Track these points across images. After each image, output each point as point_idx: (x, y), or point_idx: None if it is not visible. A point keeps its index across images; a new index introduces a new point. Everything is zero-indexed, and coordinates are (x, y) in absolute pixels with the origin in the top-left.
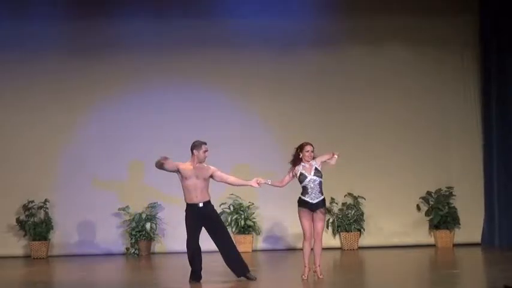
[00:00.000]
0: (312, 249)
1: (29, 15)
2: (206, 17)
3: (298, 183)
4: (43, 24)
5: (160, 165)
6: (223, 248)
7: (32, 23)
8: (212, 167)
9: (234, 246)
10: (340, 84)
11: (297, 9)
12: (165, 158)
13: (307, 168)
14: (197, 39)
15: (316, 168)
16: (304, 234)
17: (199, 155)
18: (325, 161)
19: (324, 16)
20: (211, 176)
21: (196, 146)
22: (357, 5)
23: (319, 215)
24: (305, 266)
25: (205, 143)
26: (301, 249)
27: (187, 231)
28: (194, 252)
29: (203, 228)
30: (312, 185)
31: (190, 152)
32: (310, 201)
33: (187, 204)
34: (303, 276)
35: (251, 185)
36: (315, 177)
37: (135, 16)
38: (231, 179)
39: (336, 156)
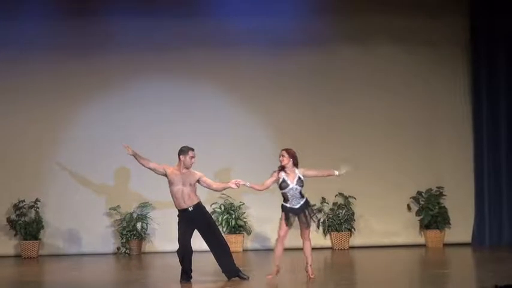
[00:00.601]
0: (302, 249)
1: (21, 13)
2: (198, 16)
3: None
4: (34, 22)
5: (139, 162)
6: (214, 250)
7: (23, 21)
8: (198, 173)
9: (226, 247)
10: (331, 84)
11: (290, 9)
12: (134, 153)
13: (290, 176)
14: (189, 39)
15: (299, 177)
16: (278, 234)
17: (186, 160)
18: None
19: (316, 16)
20: (198, 181)
21: (183, 151)
22: (349, 6)
23: (302, 218)
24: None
25: (192, 149)
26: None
27: (178, 234)
28: (185, 255)
29: (195, 230)
30: (292, 193)
31: (177, 156)
32: (293, 207)
33: (178, 210)
34: (269, 277)
35: (230, 187)
36: (296, 186)
37: (128, 15)
38: (215, 185)
39: (337, 173)
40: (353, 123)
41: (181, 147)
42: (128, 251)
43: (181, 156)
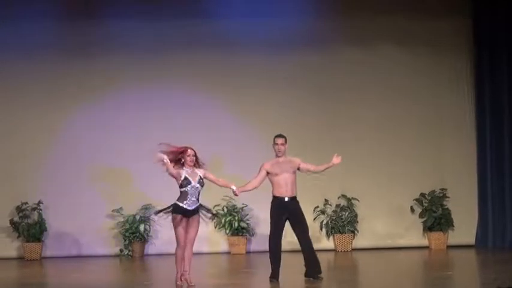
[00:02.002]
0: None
1: (20, 14)
2: (200, 17)
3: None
4: (34, 23)
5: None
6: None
7: (22, 22)
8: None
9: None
10: (333, 84)
11: (291, 9)
12: (242, 190)
13: (191, 174)
14: (190, 40)
15: (200, 177)
16: (178, 241)
17: (274, 148)
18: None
19: (318, 16)
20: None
21: (273, 140)
22: (351, 6)
23: (194, 222)
24: (177, 272)
25: (277, 136)
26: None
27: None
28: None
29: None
30: (192, 192)
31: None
32: (188, 208)
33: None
34: (178, 282)
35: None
36: (198, 185)
37: (127, 16)
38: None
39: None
40: (356, 125)
41: None
42: (130, 253)
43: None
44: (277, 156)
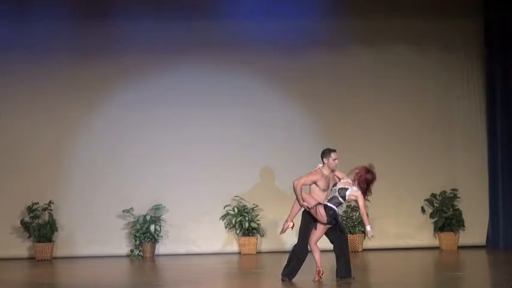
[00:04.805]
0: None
1: (36, 15)
2: (211, 19)
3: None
4: (49, 24)
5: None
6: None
7: (36, 23)
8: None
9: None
10: (343, 86)
11: (300, 11)
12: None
13: None
14: (201, 41)
15: None
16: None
17: (330, 163)
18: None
19: (327, 18)
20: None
21: (325, 153)
22: (361, 7)
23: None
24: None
25: (334, 151)
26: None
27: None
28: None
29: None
30: None
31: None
32: None
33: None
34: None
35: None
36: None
37: (140, 17)
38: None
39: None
40: (367, 125)
41: (324, 150)
42: (141, 253)
43: (324, 159)
44: (332, 171)
